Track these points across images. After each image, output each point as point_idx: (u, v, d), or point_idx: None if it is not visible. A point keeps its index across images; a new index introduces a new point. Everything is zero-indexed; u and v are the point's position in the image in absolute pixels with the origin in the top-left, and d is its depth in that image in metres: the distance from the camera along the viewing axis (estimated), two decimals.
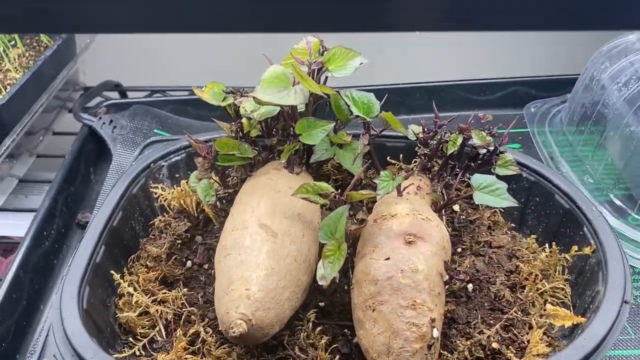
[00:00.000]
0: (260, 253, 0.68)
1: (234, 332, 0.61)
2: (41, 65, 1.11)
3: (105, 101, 1.20)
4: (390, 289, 0.65)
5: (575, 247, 0.77)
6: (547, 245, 0.81)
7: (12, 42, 1.21)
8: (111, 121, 1.10)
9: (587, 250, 0.75)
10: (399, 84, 1.18)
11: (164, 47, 1.42)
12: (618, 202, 0.89)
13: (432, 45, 1.35)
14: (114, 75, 1.32)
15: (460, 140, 0.81)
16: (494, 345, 0.70)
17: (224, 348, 0.69)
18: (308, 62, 0.74)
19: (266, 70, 0.73)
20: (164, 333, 0.74)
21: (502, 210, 0.89)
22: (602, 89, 0.95)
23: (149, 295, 0.76)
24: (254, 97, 0.71)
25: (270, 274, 0.66)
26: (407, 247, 0.68)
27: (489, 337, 0.70)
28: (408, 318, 0.64)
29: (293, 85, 0.74)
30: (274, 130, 0.84)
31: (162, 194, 0.88)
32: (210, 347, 0.69)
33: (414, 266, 0.67)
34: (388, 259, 0.68)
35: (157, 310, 0.75)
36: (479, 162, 0.83)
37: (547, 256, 0.80)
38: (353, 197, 0.70)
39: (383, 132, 0.96)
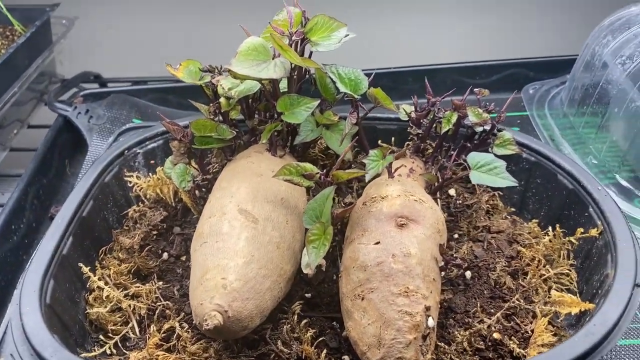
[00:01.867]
0: (239, 240, 0.62)
1: (207, 325, 0.55)
2: (13, 53, 1.05)
3: (81, 90, 1.14)
4: (381, 275, 0.60)
5: (580, 230, 0.71)
6: (550, 229, 0.75)
7: None
8: (87, 111, 1.05)
9: (593, 232, 0.70)
10: (390, 68, 1.13)
11: (146, 35, 1.36)
12: (624, 183, 0.83)
13: (423, 28, 1.30)
14: (94, 66, 1.27)
15: (454, 118, 0.75)
16: (495, 335, 0.64)
17: (201, 344, 0.63)
18: (289, 33, 0.69)
19: (243, 42, 0.67)
20: (137, 330, 0.68)
21: (501, 193, 0.83)
22: (605, 65, 0.89)
23: (121, 290, 0.70)
24: (229, 70, 0.65)
25: (250, 261, 0.61)
26: (399, 230, 0.63)
27: (489, 326, 0.64)
28: (400, 306, 0.58)
29: (273, 59, 0.68)
30: (256, 111, 0.78)
31: (137, 183, 0.82)
32: (185, 343, 0.63)
33: (407, 250, 0.61)
34: (378, 243, 0.62)
35: (129, 305, 0.69)
36: (475, 142, 0.78)
37: (550, 240, 0.74)
38: (339, 177, 0.65)
39: (374, 115, 0.90)
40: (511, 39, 1.32)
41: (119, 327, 0.68)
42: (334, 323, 0.67)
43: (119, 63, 1.34)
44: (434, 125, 0.78)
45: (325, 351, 0.62)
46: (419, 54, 1.19)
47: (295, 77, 0.76)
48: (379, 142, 0.88)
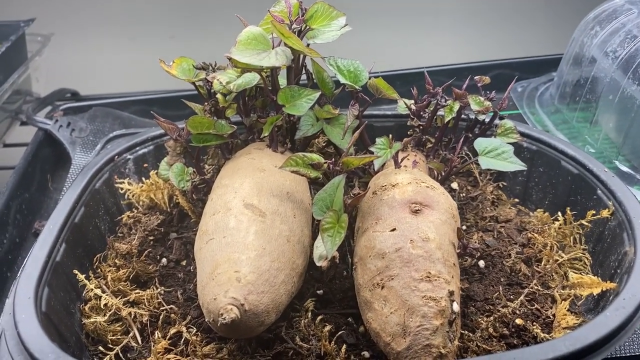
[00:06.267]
0: (248, 234, 0.59)
1: (224, 320, 0.52)
2: None
3: (57, 107, 1.10)
4: (400, 261, 0.57)
5: (592, 212, 0.70)
6: (559, 214, 0.74)
7: None
8: (69, 124, 1.00)
9: (605, 213, 0.69)
10: (378, 73, 1.12)
11: (124, 52, 1.33)
12: (624, 169, 0.83)
13: (410, 32, 1.30)
14: (70, 83, 1.23)
15: (457, 107, 0.74)
16: (518, 321, 0.62)
17: (213, 346, 0.59)
18: (289, 21, 0.67)
19: (242, 31, 0.65)
20: (139, 338, 0.63)
21: (504, 183, 0.82)
22: (594, 56, 0.90)
23: (119, 297, 0.66)
24: (230, 58, 0.63)
25: (262, 254, 0.58)
26: (414, 216, 0.61)
27: (513, 310, 0.62)
28: (424, 292, 0.55)
29: (273, 49, 0.66)
30: (252, 107, 0.76)
31: (129, 189, 0.78)
32: (195, 346, 0.59)
33: (425, 235, 0.59)
34: (394, 229, 0.60)
35: (130, 313, 0.64)
36: (476, 132, 0.77)
37: (560, 226, 0.73)
38: (350, 164, 0.63)
39: (371, 112, 0.89)
40: (495, 42, 1.34)
41: (119, 337, 0.64)
42: (349, 319, 0.64)
43: (96, 80, 1.30)
44: (434, 117, 0.77)
45: (344, 347, 0.59)
46: (406, 59, 1.19)
47: (292, 73, 0.74)
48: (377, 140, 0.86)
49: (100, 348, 0.63)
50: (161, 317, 0.64)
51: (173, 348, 0.60)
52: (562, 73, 0.99)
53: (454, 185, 0.82)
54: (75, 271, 0.65)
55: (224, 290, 0.54)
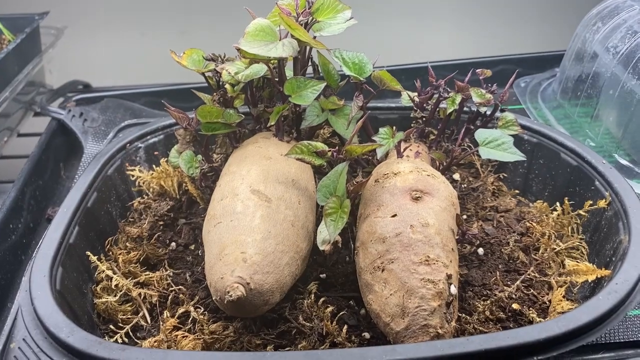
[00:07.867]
0: (254, 218, 0.62)
1: (230, 297, 0.54)
2: (2, 60, 1.03)
3: (69, 98, 1.13)
4: (400, 245, 0.59)
5: (589, 202, 0.72)
6: (557, 204, 0.76)
7: None
8: (81, 114, 1.03)
9: (602, 203, 0.70)
10: (382, 67, 1.14)
11: (135, 46, 1.36)
12: (624, 162, 0.85)
13: (415, 27, 1.32)
14: (82, 76, 1.26)
15: (459, 99, 0.76)
16: (515, 306, 0.64)
17: (219, 324, 0.61)
18: (296, 14, 0.69)
19: (250, 23, 0.68)
20: (148, 318, 0.66)
21: (504, 175, 0.84)
22: (596, 52, 0.92)
23: (130, 278, 0.68)
24: (238, 49, 0.65)
25: (267, 237, 0.60)
26: (415, 202, 0.63)
27: (509, 295, 0.64)
28: (422, 274, 0.57)
29: (280, 40, 0.69)
30: (259, 98, 0.78)
31: (140, 176, 0.81)
32: (202, 325, 0.62)
33: (424, 221, 0.61)
34: (395, 215, 0.62)
35: (139, 294, 0.67)
36: (478, 124, 0.79)
37: (558, 216, 0.75)
38: (353, 151, 0.65)
39: (375, 104, 0.91)
40: (500, 38, 1.35)
41: (129, 317, 0.66)
42: (351, 302, 0.66)
43: (107, 73, 1.33)
44: (437, 108, 0.79)
45: (345, 327, 0.61)
46: (411, 54, 1.21)
47: (299, 65, 0.76)
48: None
49: (111, 327, 0.65)
50: (170, 297, 0.66)
51: (181, 326, 0.62)
52: (565, 69, 1.01)
53: (456, 176, 0.84)
54: (88, 253, 0.67)
55: (230, 269, 0.56)
